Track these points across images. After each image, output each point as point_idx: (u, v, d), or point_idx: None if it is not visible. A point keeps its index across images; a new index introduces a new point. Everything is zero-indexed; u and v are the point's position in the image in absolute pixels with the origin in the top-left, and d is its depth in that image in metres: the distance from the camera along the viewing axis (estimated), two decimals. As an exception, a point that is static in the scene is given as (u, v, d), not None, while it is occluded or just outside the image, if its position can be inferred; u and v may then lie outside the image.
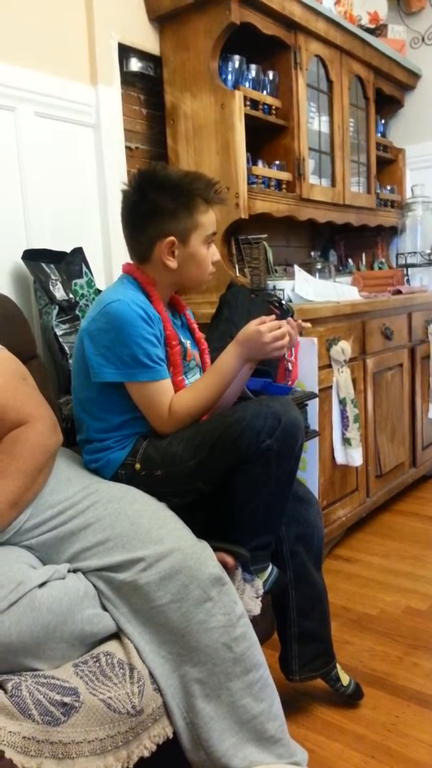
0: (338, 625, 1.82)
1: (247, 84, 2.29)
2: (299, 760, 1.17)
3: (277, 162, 2.42)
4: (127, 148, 2.22)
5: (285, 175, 2.40)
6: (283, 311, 1.91)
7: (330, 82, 2.63)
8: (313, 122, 2.57)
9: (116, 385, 1.28)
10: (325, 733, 1.44)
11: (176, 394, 1.30)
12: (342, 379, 2.19)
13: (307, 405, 1.95)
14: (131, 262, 1.39)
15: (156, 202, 1.29)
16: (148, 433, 1.33)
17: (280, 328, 1.28)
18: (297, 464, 1.28)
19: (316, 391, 1.99)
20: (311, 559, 1.45)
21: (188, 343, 1.42)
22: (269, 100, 2.34)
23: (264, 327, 1.27)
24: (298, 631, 1.45)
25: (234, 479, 1.24)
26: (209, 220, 1.34)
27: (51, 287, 1.79)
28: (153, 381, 1.25)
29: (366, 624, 1.86)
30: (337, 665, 1.50)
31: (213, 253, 1.37)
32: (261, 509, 1.26)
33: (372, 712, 1.50)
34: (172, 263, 1.32)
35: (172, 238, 1.30)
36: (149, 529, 1.15)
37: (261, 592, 1.30)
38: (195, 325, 1.50)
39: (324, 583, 1.49)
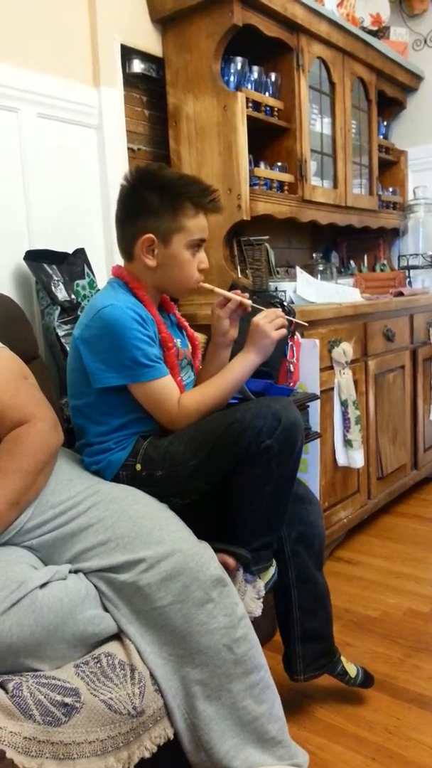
0: (339, 627, 1.81)
1: (249, 86, 2.29)
2: (300, 762, 1.17)
3: (279, 164, 2.42)
4: (130, 149, 2.22)
5: (287, 177, 2.40)
6: (285, 312, 1.91)
7: (332, 84, 2.63)
8: (315, 124, 2.57)
9: (116, 388, 1.28)
10: (326, 736, 1.43)
11: (187, 392, 1.31)
12: (343, 380, 2.18)
13: (308, 406, 1.95)
14: (119, 264, 1.40)
15: (144, 198, 1.31)
16: (148, 433, 1.33)
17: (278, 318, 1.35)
18: (297, 465, 1.28)
19: (318, 392, 1.99)
20: (313, 558, 1.45)
21: (178, 342, 1.43)
22: (271, 101, 2.34)
23: (276, 333, 1.33)
24: (301, 630, 1.45)
25: (234, 480, 1.24)
26: (196, 225, 1.32)
27: (53, 288, 1.79)
28: (156, 379, 1.26)
29: (367, 626, 1.85)
30: (342, 659, 1.50)
31: (200, 261, 1.35)
32: (262, 510, 1.26)
33: (373, 714, 1.49)
34: (151, 262, 1.32)
35: (150, 235, 1.30)
36: (150, 530, 1.15)
37: (262, 593, 1.30)
38: (185, 323, 1.51)
39: (326, 582, 1.49)
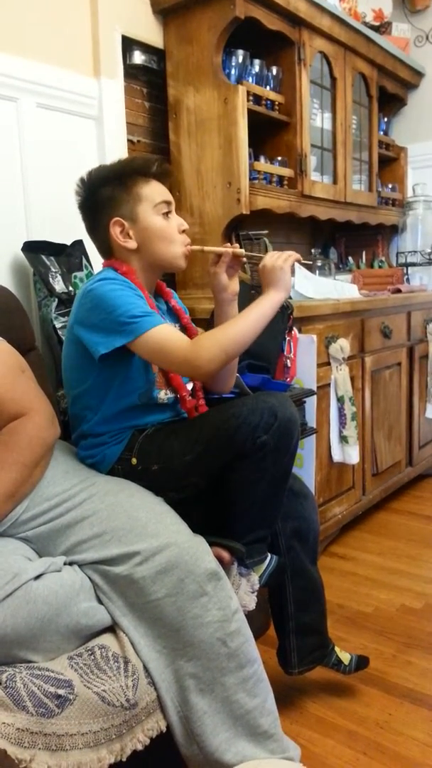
0: (333, 622, 1.82)
1: (250, 79, 2.28)
2: (292, 756, 1.17)
3: (279, 158, 2.41)
4: (129, 141, 2.21)
5: (287, 172, 2.39)
6: (283, 308, 1.91)
7: (333, 79, 2.62)
8: (315, 119, 2.57)
9: (111, 367, 1.26)
10: (317, 730, 1.44)
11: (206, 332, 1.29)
12: (340, 376, 2.19)
13: (305, 402, 1.95)
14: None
15: (98, 196, 1.33)
16: (144, 427, 1.33)
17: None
18: (292, 460, 1.28)
19: (314, 388, 1.99)
20: (307, 553, 1.45)
21: (176, 327, 1.42)
22: (272, 95, 2.33)
23: (287, 263, 1.31)
24: (296, 624, 1.45)
25: (230, 475, 1.24)
26: (153, 190, 1.33)
27: (51, 279, 1.79)
28: (155, 327, 1.21)
29: (360, 622, 1.86)
30: (336, 649, 1.51)
31: (179, 224, 1.35)
32: (257, 504, 1.26)
33: (365, 709, 1.50)
34: (130, 243, 1.32)
35: (117, 218, 1.31)
36: (146, 523, 1.15)
37: (257, 586, 1.31)
38: (182, 311, 1.49)
39: (320, 577, 1.50)
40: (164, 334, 1.21)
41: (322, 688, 1.57)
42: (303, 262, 1.41)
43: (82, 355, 1.29)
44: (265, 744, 1.14)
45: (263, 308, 1.26)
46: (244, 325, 1.23)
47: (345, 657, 1.51)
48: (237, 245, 1.37)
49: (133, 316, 1.20)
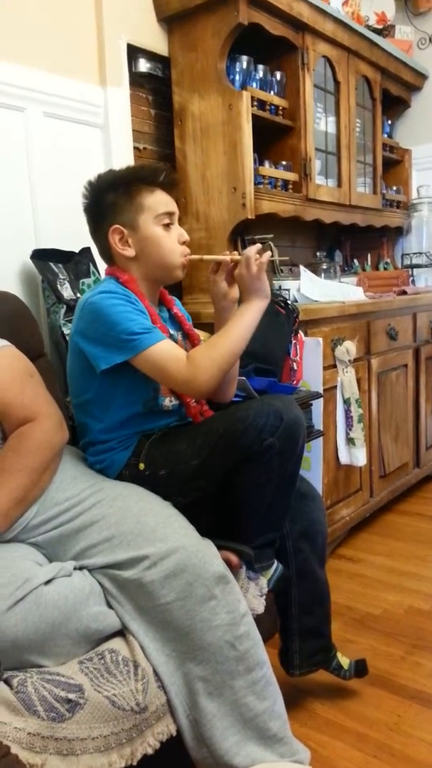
0: (341, 625, 1.82)
1: (254, 84, 2.29)
2: (302, 759, 1.17)
3: (284, 162, 2.42)
4: (135, 148, 2.23)
5: (291, 176, 2.40)
6: (289, 311, 1.91)
7: (337, 83, 2.63)
8: (319, 123, 2.58)
9: (113, 378, 1.27)
10: (327, 732, 1.44)
11: (196, 347, 1.30)
12: (346, 379, 2.19)
13: (311, 405, 1.96)
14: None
15: (102, 201, 1.33)
16: (150, 432, 1.34)
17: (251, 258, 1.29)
18: (299, 462, 1.29)
19: (321, 391, 2.00)
20: (315, 555, 1.46)
21: (179, 335, 1.43)
22: (276, 100, 2.34)
23: (260, 269, 1.29)
24: (299, 627, 1.46)
25: (237, 478, 1.25)
26: (156, 200, 1.33)
27: (59, 286, 1.80)
28: (155, 344, 1.23)
29: (369, 623, 1.86)
30: (338, 654, 1.52)
31: (179, 235, 1.35)
32: (264, 507, 1.27)
33: (374, 711, 1.50)
34: (129, 251, 1.33)
35: (117, 226, 1.31)
36: (154, 527, 1.16)
37: (265, 590, 1.31)
38: (183, 318, 1.50)
39: (327, 580, 1.50)
40: (163, 352, 1.23)
41: (330, 690, 1.57)
42: (277, 258, 1.39)
43: (85, 365, 1.30)
44: (274, 747, 1.15)
45: (249, 319, 1.28)
46: (234, 338, 1.25)
47: (345, 662, 1.52)
48: (236, 252, 1.37)
49: (132, 333, 1.22)
